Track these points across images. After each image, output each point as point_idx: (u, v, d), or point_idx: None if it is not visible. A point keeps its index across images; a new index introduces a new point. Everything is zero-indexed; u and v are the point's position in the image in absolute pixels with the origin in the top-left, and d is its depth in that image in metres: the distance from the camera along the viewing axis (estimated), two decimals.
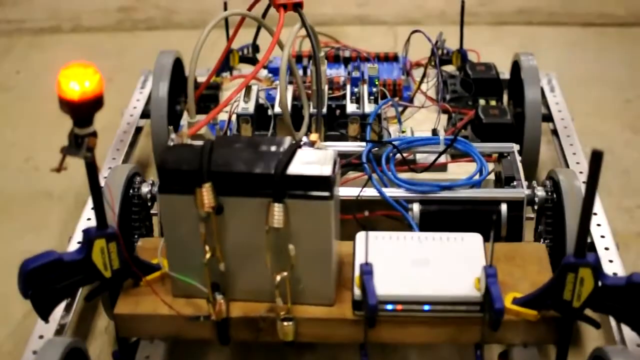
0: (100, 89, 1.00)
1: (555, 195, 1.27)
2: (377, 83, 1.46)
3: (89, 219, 1.38)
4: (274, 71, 1.60)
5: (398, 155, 1.33)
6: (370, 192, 1.27)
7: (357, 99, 1.45)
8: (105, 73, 2.01)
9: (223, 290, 1.10)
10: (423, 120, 1.52)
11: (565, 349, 1.09)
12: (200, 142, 1.09)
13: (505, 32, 2.32)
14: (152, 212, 1.33)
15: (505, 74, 1.70)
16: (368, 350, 1.12)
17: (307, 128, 1.35)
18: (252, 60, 1.74)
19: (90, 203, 1.41)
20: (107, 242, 1.08)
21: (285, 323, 1.10)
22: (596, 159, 0.94)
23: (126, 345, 1.18)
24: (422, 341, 1.13)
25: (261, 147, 1.08)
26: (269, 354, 1.31)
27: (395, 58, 1.68)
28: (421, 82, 1.56)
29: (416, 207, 1.25)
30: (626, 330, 1.17)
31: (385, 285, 1.07)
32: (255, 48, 1.73)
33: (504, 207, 1.25)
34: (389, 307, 1.08)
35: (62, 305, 1.24)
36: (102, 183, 1.38)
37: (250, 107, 1.42)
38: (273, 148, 1.08)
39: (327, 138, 1.42)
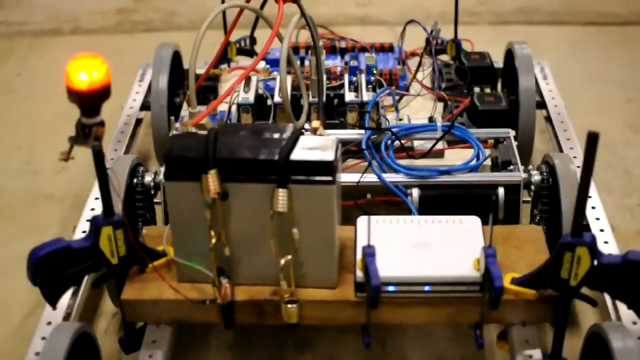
0: (108, 79, 1.02)
1: (551, 179, 1.30)
2: (374, 72, 1.48)
3: (92, 209, 1.40)
4: (272, 62, 1.63)
5: (396, 143, 1.36)
6: (370, 178, 1.29)
7: (356, 88, 1.47)
8: None
9: (228, 274, 1.13)
10: (419, 108, 1.54)
11: (563, 327, 1.12)
12: (203, 132, 1.11)
13: (506, 32, 2.32)
14: (155, 200, 1.35)
15: (499, 63, 1.72)
16: (370, 332, 1.15)
17: (307, 116, 1.37)
18: (250, 53, 1.76)
19: (93, 194, 1.43)
20: (114, 230, 1.10)
21: (289, 305, 1.12)
22: (592, 141, 0.97)
23: (132, 331, 1.20)
24: (423, 322, 1.16)
25: (265, 134, 1.11)
26: (270, 351, 1.34)
27: (390, 48, 1.70)
28: (417, 70, 1.58)
29: (415, 192, 1.28)
30: (622, 308, 1.20)
31: (386, 267, 1.09)
32: (253, 40, 1.76)
33: (501, 191, 1.28)
34: (391, 288, 1.11)
35: (69, 293, 1.25)
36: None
37: (251, 97, 1.45)
38: (276, 135, 1.10)
39: (326, 126, 1.44)
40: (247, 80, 1.48)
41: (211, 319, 1.16)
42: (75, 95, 1.02)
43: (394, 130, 1.36)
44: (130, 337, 1.20)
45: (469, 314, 1.14)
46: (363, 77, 1.49)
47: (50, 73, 2.11)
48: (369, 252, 1.08)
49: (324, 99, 1.43)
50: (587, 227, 1.33)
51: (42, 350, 1.05)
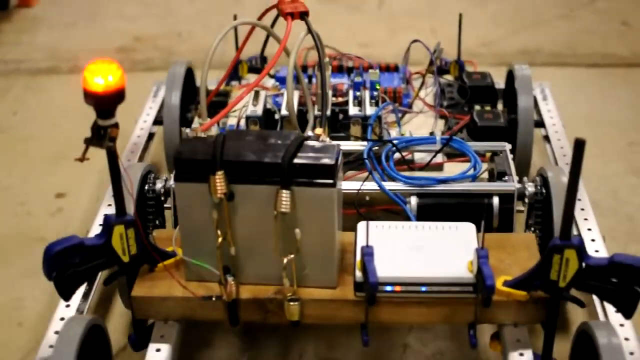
0: (122, 83, 1.09)
1: (544, 190, 1.36)
2: (377, 87, 1.55)
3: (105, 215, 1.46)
4: (281, 80, 1.69)
5: (398, 156, 1.42)
6: (370, 186, 1.35)
7: (359, 102, 1.54)
8: None
9: (233, 273, 1.18)
10: (421, 124, 1.60)
11: (553, 327, 1.17)
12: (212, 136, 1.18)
13: None
14: (165, 206, 1.41)
15: (500, 84, 1.78)
16: (368, 330, 1.20)
17: (312, 129, 1.43)
18: (260, 71, 1.82)
19: (106, 200, 1.50)
20: (126, 228, 1.17)
21: (291, 303, 1.18)
22: (579, 147, 1.03)
23: (141, 329, 1.26)
24: (419, 321, 1.21)
25: (269, 139, 1.17)
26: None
27: (395, 68, 1.77)
28: (420, 88, 1.65)
29: (414, 200, 1.34)
30: (610, 311, 1.25)
31: (384, 268, 1.15)
32: (263, 59, 1.82)
33: (495, 200, 1.34)
34: (388, 288, 1.17)
35: (81, 291, 1.31)
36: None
37: (259, 110, 1.51)
38: (280, 140, 1.17)
39: (331, 139, 1.51)
40: (256, 94, 1.55)
41: (217, 316, 1.21)
42: (92, 98, 1.09)
43: (394, 142, 1.42)
44: (139, 335, 1.26)
45: (463, 314, 1.19)
46: (366, 93, 1.55)
47: (47, 112, 2.13)
48: (367, 252, 1.14)
49: (329, 112, 1.49)
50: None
51: (57, 339, 1.10)
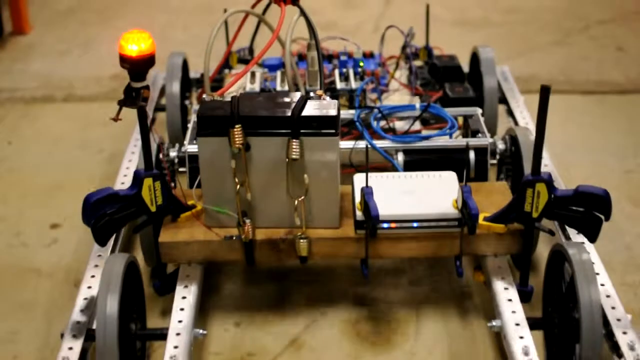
0: (153, 49, 1.25)
1: (513, 147, 1.55)
2: (361, 65, 1.74)
3: (125, 176, 1.65)
4: (270, 67, 1.87)
5: (382, 123, 1.60)
6: (362, 145, 1.53)
7: (346, 78, 1.72)
8: (96, 143, 2.06)
9: (250, 217, 1.36)
10: (398, 101, 1.78)
11: (528, 254, 1.35)
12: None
13: None
14: (180, 170, 1.57)
15: (464, 67, 1.98)
16: (367, 265, 1.38)
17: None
18: (248, 61, 2.00)
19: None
20: (154, 181, 1.33)
21: (301, 241, 1.36)
22: (544, 93, 1.22)
23: (165, 275, 1.41)
24: (412, 255, 1.39)
25: (278, 99, 1.35)
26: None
27: (371, 55, 1.96)
28: (395, 70, 1.83)
29: (400, 156, 1.52)
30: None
31: (381, 208, 1.32)
32: (251, 51, 2.00)
33: (472, 153, 1.52)
34: (385, 225, 1.35)
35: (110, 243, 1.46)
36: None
37: (257, 87, 1.69)
38: (287, 99, 1.34)
39: None
40: (252, 75, 1.73)
41: (235, 257, 1.38)
42: (127, 62, 1.25)
43: (380, 109, 1.60)
44: (163, 281, 1.41)
45: (450, 247, 1.38)
46: (351, 70, 1.74)
47: (42, 142, 2.12)
48: (368, 191, 1.32)
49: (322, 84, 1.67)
50: None
51: (102, 273, 1.24)
